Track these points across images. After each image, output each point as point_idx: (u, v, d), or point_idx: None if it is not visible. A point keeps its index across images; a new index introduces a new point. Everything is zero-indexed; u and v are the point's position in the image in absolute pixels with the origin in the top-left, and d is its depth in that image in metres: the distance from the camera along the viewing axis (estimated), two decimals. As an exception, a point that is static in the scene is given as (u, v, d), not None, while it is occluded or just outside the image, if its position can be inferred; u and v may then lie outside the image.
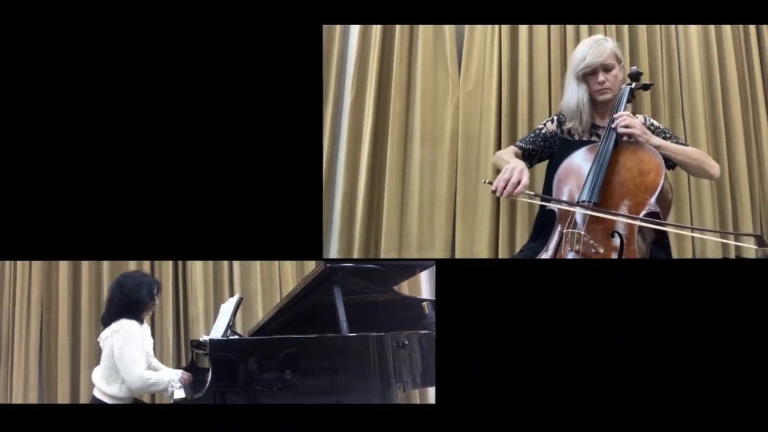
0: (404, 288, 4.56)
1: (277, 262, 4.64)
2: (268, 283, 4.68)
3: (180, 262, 4.50)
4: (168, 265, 4.46)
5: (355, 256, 4.33)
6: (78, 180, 3.02)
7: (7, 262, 4.25)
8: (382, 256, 4.31)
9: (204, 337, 3.69)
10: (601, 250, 2.72)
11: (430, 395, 4.40)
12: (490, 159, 3.84)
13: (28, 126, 3.00)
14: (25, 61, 3.02)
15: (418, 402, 4.62)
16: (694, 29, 4.60)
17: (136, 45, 3.06)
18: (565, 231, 2.79)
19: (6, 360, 4.20)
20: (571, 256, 2.75)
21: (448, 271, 2.94)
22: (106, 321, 3.30)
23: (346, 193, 4.38)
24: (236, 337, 3.81)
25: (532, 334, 2.85)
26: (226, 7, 3.08)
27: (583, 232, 2.74)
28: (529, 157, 3.24)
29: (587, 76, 3.08)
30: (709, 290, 2.87)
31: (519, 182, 2.75)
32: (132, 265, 4.33)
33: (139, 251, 3.16)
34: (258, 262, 4.59)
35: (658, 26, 4.57)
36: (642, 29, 4.54)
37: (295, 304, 3.51)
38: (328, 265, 3.20)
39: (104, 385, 3.22)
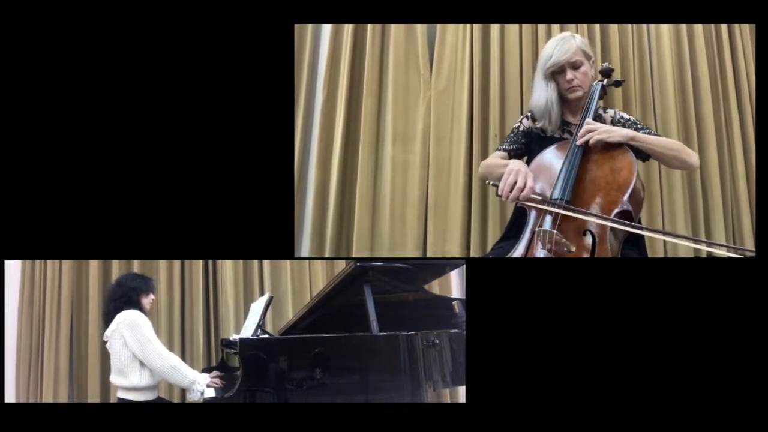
0: (434, 287, 4.56)
1: (307, 261, 4.65)
2: (299, 283, 4.69)
3: (210, 262, 4.51)
4: (198, 265, 4.48)
5: (327, 255, 4.35)
6: (101, 180, 3.03)
7: (38, 261, 4.28)
8: (354, 255, 4.31)
9: (234, 336, 3.70)
10: (573, 249, 2.69)
11: (461, 394, 4.41)
12: (478, 170, 3.75)
13: (55, 126, 3.01)
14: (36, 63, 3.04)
15: (449, 401, 4.62)
16: (665, 28, 4.62)
17: (108, 44, 3.05)
18: (537, 229, 2.76)
19: (36, 359, 4.23)
20: (542, 254, 2.72)
21: (479, 269, 2.91)
22: (110, 314, 3.36)
23: (318, 192, 4.38)
24: (266, 336, 3.82)
25: (563, 333, 2.83)
26: (198, 5, 3.07)
27: (554, 231, 2.70)
28: (516, 156, 3.19)
29: (555, 74, 3.06)
30: (682, 289, 2.85)
31: (525, 185, 2.73)
32: (162, 264, 4.37)
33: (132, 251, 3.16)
34: (288, 261, 4.60)
35: (629, 25, 4.58)
36: (614, 28, 4.55)
37: (326, 303, 3.51)
38: (358, 264, 3.20)
39: (122, 380, 3.24)
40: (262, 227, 3.08)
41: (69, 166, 3.00)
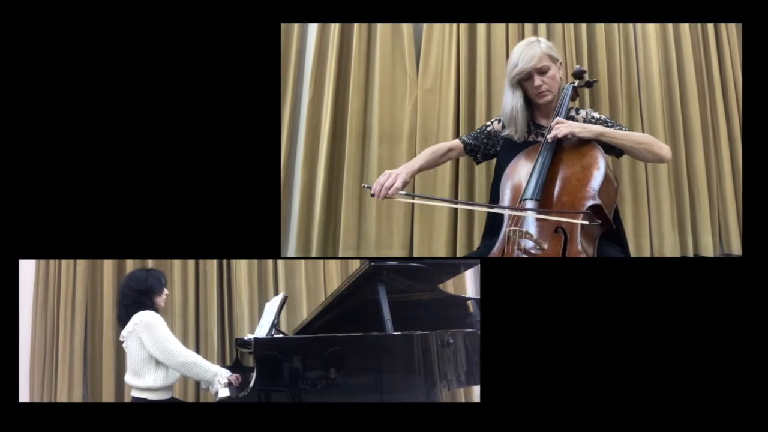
0: (449, 286, 4.54)
1: (321, 261, 4.64)
2: (313, 282, 4.68)
3: (225, 261, 4.51)
4: (213, 264, 4.47)
5: (313, 254, 4.38)
6: (117, 180, 3.04)
7: (52, 261, 4.28)
8: (341, 254, 4.36)
9: (249, 336, 3.70)
10: (546, 246, 2.73)
11: (475, 394, 4.40)
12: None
13: (66, 129, 3.02)
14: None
15: (463, 401, 4.60)
16: (652, 28, 4.64)
17: (102, 44, 3.05)
18: (508, 229, 2.83)
19: (50, 358, 4.23)
20: (516, 253, 2.77)
21: (494, 269, 2.91)
22: (123, 318, 3.35)
23: (304, 191, 4.41)
24: (281, 335, 3.81)
25: (577, 332, 2.82)
26: (184, 4, 3.07)
27: (525, 230, 2.77)
28: (471, 151, 3.32)
29: (523, 81, 3.10)
30: (667, 289, 2.86)
31: (392, 185, 2.89)
32: (176, 264, 4.37)
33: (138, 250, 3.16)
34: (302, 261, 4.59)
35: (616, 25, 4.60)
36: (600, 28, 4.57)
37: (340, 302, 3.50)
38: (372, 263, 3.19)
39: (138, 381, 3.24)
40: (248, 226, 3.10)
41: (81, 167, 3.01)
